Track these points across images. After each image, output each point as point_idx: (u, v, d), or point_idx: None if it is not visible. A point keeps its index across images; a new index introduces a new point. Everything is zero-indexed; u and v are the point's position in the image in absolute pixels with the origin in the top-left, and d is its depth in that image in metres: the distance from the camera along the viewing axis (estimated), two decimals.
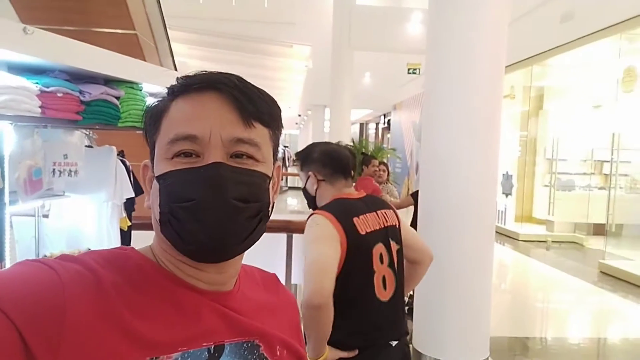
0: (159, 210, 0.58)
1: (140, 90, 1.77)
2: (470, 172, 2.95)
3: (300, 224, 3.01)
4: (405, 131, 13.08)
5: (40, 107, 1.37)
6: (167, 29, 9.74)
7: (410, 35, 7.64)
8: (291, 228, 2.88)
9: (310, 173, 1.71)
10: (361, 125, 19.28)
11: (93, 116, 1.57)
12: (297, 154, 1.82)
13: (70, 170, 1.88)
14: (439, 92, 3.05)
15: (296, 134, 28.61)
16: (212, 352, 0.57)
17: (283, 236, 2.92)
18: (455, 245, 3.00)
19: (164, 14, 6.44)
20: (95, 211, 2.08)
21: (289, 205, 12.56)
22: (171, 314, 0.56)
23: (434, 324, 3.10)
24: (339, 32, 8.34)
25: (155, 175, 0.59)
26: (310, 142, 1.96)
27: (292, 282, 3.00)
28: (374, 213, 1.65)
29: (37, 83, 1.37)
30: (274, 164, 0.65)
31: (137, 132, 1.99)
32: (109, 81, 1.68)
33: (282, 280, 2.96)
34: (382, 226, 1.65)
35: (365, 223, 1.60)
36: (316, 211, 1.62)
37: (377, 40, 7.93)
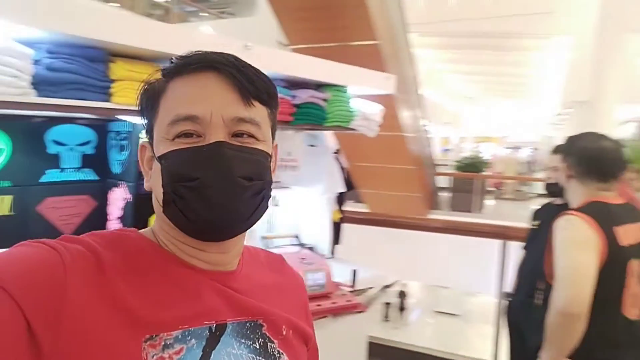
0: (162, 190, 0.58)
1: (345, 92, 1.94)
2: None
3: (520, 231, 2.75)
4: None
5: None
6: (416, 36, 10.05)
7: None
8: (508, 235, 2.65)
9: (563, 164, 1.67)
10: None
11: (303, 117, 1.80)
12: (566, 139, 1.76)
13: (292, 166, 2.19)
14: None
15: (553, 136, 25.52)
16: (213, 330, 0.57)
17: (496, 243, 2.71)
18: None
19: (409, 23, 6.72)
20: (313, 203, 2.36)
21: None
22: (171, 293, 0.57)
23: None
24: (608, 15, 7.13)
25: (157, 155, 0.59)
26: None
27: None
28: (637, 224, 1.54)
29: None
30: (272, 143, 0.64)
31: (346, 132, 2.17)
32: (320, 85, 1.89)
33: (494, 290, 2.78)
34: None
35: (626, 234, 1.51)
36: (571, 212, 1.54)
37: None
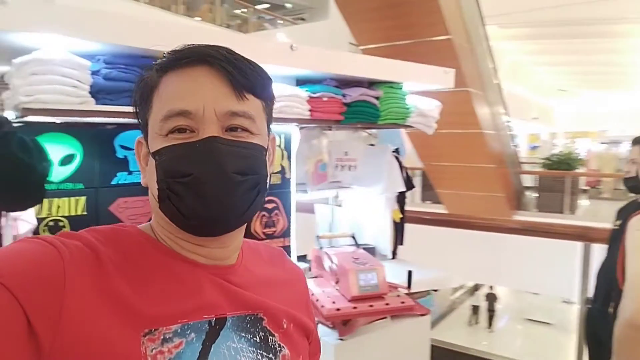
0: (156, 186, 0.58)
1: (400, 89, 1.89)
2: None
3: (603, 232, 2.50)
4: None
5: (309, 110, 1.66)
6: (496, 28, 9.50)
7: None
8: (590, 236, 2.42)
9: (636, 158, 1.55)
10: None
11: (354, 116, 1.78)
12: None
13: (350, 165, 2.18)
14: None
15: None
16: (213, 324, 0.57)
17: (577, 245, 2.49)
18: None
19: (487, 15, 6.41)
20: (373, 202, 2.33)
21: None
22: (170, 287, 0.57)
23: None
24: None
25: (151, 151, 0.59)
26: None
27: None
28: None
29: (307, 90, 1.68)
30: (268, 136, 0.62)
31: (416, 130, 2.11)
32: (372, 83, 1.86)
33: (576, 298, 2.56)
34: None
35: None
36: None
37: None
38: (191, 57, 0.58)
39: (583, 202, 9.76)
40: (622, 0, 9.23)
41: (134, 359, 0.51)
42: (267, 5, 11.35)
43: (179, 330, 0.54)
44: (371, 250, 2.28)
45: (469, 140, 6.19)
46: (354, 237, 1.93)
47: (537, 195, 8.31)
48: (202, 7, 8.94)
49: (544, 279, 2.92)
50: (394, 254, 2.37)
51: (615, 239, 1.96)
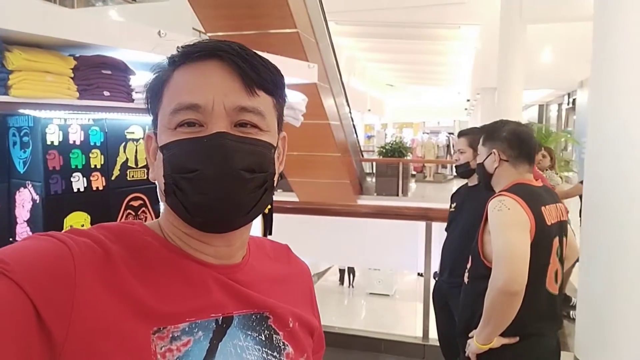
0: (163, 181, 0.57)
1: None
2: None
3: (440, 212, 2.90)
4: None
5: None
6: (336, 24, 9.96)
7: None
8: (430, 216, 2.78)
9: (493, 150, 1.69)
10: (540, 107, 17.34)
11: None
12: (482, 127, 1.79)
13: None
14: (610, 64, 2.58)
15: (466, 121, 27.24)
16: (220, 323, 0.58)
17: (421, 224, 2.83)
18: (630, 244, 2.52)
19: (328, 10, 6.75)
20: None
21: None
22: (178, 286, 0.57)
23: (603, 333, 2.66)
24: (508, 5, 7.63)
25: (159, 145, 0.58)
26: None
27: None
28: (555, 205, 1.63)
29: None
30: (278, 134, 0.63)
31: None
32: None
33: (422, 269, 2.91)
34: (559, 220, 1.63)
35: (550, 214, 1.59)
36: (503, 193, 1.58)
37: (553, 10, 7.02)
38: (203, 51, 0.57)
39: (412, 185, 11.06)
40: (441, 7, 10.58)
41: (145, 356, 0.51)
42: None
43: (187, 329, 0.55)
44: None
45: (316, 131, 6.51)
46: None
47: (375, 180, 9.16)
48: None
49: (393, 257, 3.27)
50: None
51: (452, 220, 2.27)
